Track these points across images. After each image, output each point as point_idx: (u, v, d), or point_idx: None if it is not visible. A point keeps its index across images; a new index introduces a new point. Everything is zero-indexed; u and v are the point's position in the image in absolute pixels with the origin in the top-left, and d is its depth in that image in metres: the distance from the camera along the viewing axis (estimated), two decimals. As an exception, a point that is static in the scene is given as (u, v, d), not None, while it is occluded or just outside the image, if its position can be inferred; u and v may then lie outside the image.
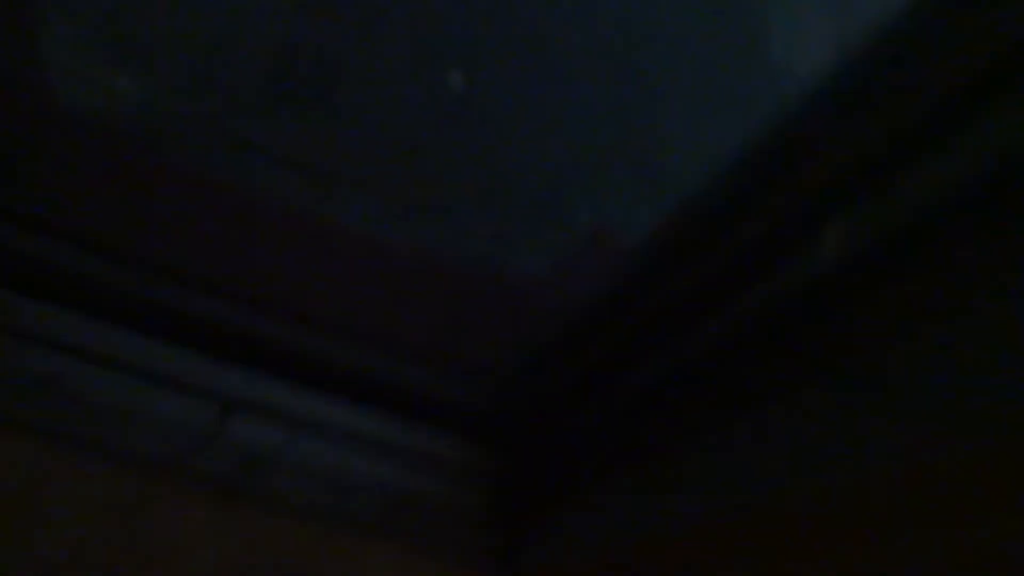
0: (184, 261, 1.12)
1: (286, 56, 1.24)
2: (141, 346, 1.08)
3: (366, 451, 1.11)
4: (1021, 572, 0.57)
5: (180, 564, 1.00)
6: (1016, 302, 0.56)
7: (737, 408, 0.78)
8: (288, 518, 1.05)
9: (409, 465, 1.12)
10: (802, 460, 0.70)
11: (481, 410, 1.14)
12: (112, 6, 1.23)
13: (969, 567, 0.59)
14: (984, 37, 0.56)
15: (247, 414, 1.08)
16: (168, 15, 1.27)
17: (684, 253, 0.84)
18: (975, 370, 0.58)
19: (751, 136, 0.74)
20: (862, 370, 0.66)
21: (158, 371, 1.08)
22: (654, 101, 1.48)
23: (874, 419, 0.64)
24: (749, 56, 1.58)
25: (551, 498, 1.07)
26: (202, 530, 1.02)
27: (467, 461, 1.14)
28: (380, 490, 1.09)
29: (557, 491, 1.06)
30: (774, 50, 1.59)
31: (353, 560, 1.05)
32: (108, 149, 1.21)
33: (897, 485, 0.61)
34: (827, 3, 1.65)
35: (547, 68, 1.42)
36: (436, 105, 1.34)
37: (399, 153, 1.27)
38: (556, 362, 1.09)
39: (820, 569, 0.70)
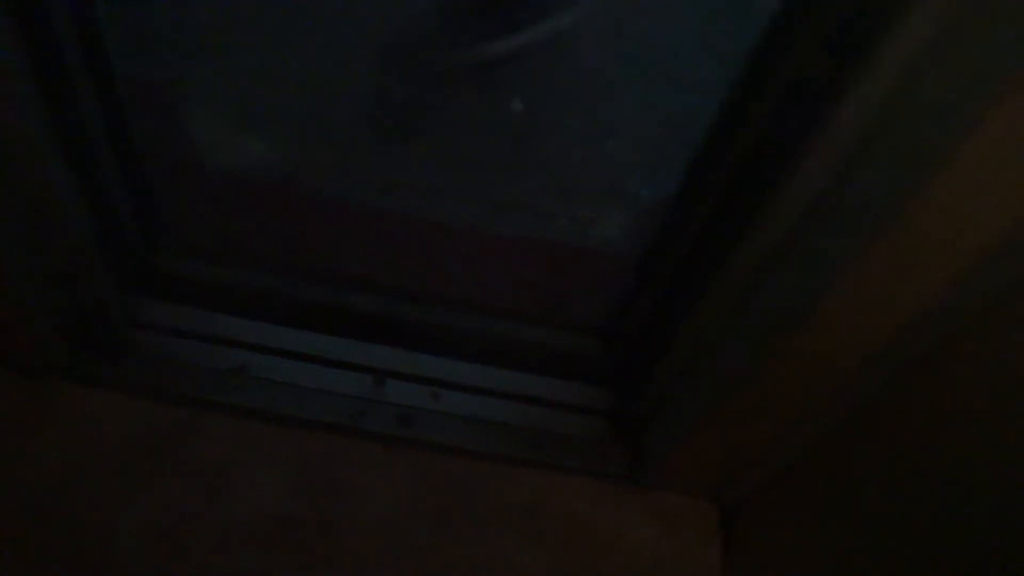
0: (331, 266, 1.37)
1: (381, 98, 1.51)
2: (308, 338, 1.32)
3: (498, 401, 1.32)
4: None
5: (359, 501, 1.20)
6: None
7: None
8: (442, 457, 1.25)
9: (536, 409, 1.32)
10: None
11: (589, 356, 1.34)
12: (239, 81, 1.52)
13: None
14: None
15: (398, 381, 1.31)
16: (281, 84, 1.56)
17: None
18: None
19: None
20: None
21: (324, 354, 1.31)
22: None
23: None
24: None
25: (655, 417, 1.26)
26: (373, 473, 1.22)
27: (583, 399, 1.33)
28: (516, 431, 1.29)
29: (658, 411, 1.25)
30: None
31: (502, 485, 1.24)
32: (251, 194, 1.49)
33: None
34: None
35: (590, 81, 1.68)
36: (505, 126, 1.61)
37: (484, 165, 1.53)
38: (636, 308, 1.29)
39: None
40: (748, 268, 0.95)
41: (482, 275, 1.41)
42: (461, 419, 1.28)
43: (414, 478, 1.23)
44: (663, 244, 1.16)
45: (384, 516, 1.18)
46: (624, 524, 1.22)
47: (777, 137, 0.87)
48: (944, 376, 0.83)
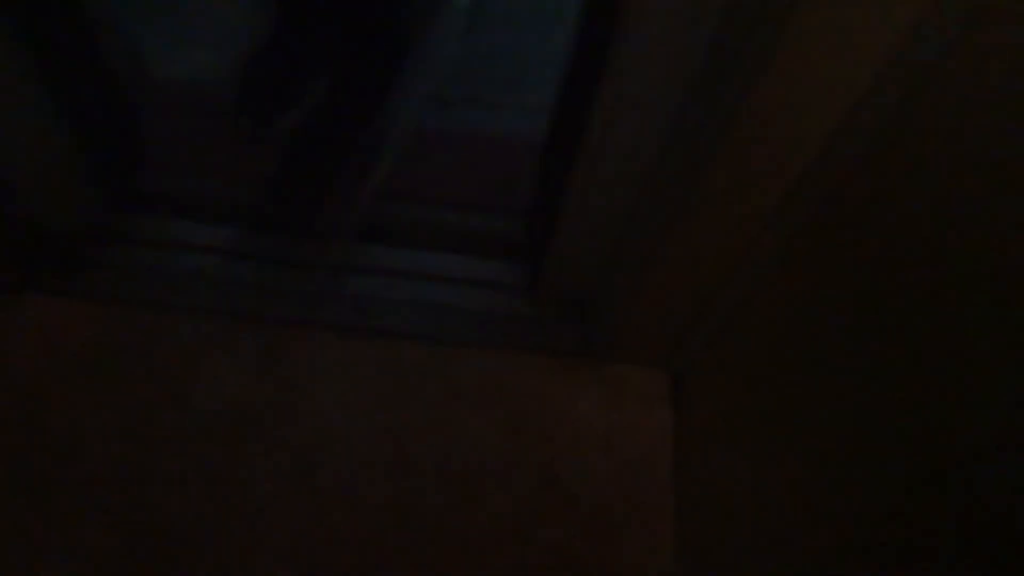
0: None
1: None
2: (262, 239, 1.36)
3: (450, 287, 1.35)
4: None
5: (316, 388, 1.24)
6: None
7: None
8: (396, 343, 1.29)
9: (487, 292, 1.35)
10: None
11: (532, 238, 1.37)
12: None
13: None
14: None
15: (352, 273, 1.34)
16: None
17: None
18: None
19: None
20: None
21: (282, 257, 1.34)
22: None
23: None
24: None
25: (598, 290, 1.28)
26: (330, 362, 1.27)
27: (530, 280, 1.36)
28: (467, 314, 1.33)
29: (599, 284, 1.27)
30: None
31: (456, 366, 1.28)
32: (198, 104, 1.50)
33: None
34: None
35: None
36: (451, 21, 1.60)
37: (431, 60, 1.53)
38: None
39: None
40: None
41: (432, 169, 1.43)
42: (414, 305, 1.32)
43: (370, 364, 1.27)
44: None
45: (341, 400, 1.23)
46: (576, 395, 1.27)
47: None
48: (852, 208, 0.84)
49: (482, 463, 1.19)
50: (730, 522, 1.07)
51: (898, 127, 0.76)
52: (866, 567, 0.73)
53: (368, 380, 1.25)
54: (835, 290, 0.87)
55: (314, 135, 1.36)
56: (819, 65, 0.75)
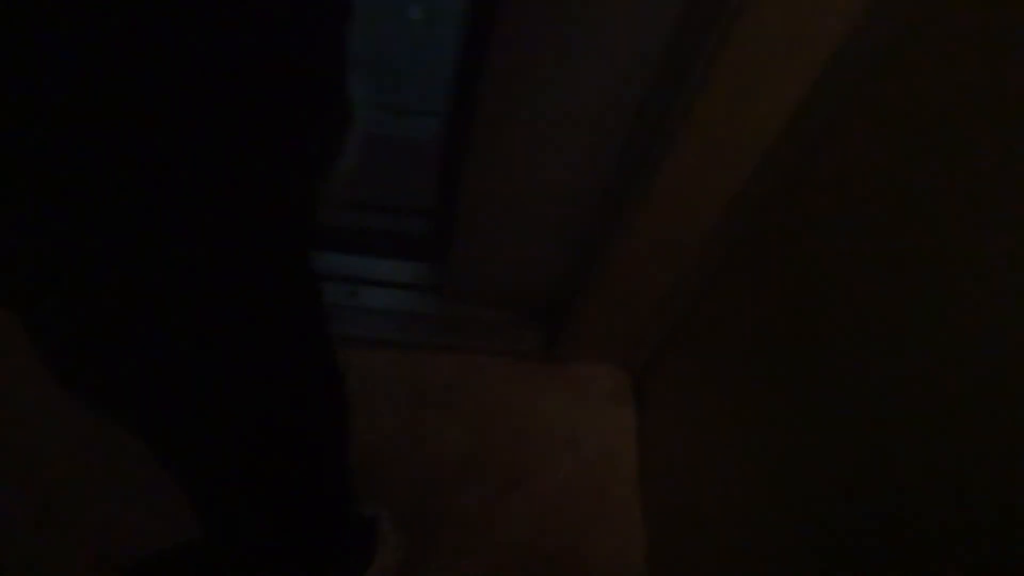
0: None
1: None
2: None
3: (413, 293, 1.36)
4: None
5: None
6: None
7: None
8: (362, 350, 1.29)
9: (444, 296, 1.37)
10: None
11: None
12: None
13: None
14: None
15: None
16: None
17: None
18: None
19: None
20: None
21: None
22: None
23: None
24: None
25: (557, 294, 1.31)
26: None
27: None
28: (431, 320, 1.34)
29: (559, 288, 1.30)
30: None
31: (421, 371, 1.29)
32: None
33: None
34: None
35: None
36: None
37: (383, 71, 1.55)
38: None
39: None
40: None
41: (388, 177, 1.44)
42: (378, 313, 1.33)
43: (335, 371, 1.27)
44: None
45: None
46: (540, 395, 1.29)
47: None
48: (797, 203, 0.88)
49: (449, 464, 1.20)
50: (695, 517, 1.09)
51: (828, 141, 0.80)
52: (824, 556, 0.77)
53: (333, 387, 1.25)
54: (772, 294, 0.91)
55: None
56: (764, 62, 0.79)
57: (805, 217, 0.86)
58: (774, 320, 0.93)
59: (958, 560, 0.59)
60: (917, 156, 0.68)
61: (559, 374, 1.31)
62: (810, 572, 0.80)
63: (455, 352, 1.31)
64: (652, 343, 1.24)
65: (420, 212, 1.41)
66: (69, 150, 0.43)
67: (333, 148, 0.58)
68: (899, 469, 0.67)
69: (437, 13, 1.70)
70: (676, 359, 1.22)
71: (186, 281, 0.54)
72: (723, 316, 1.08)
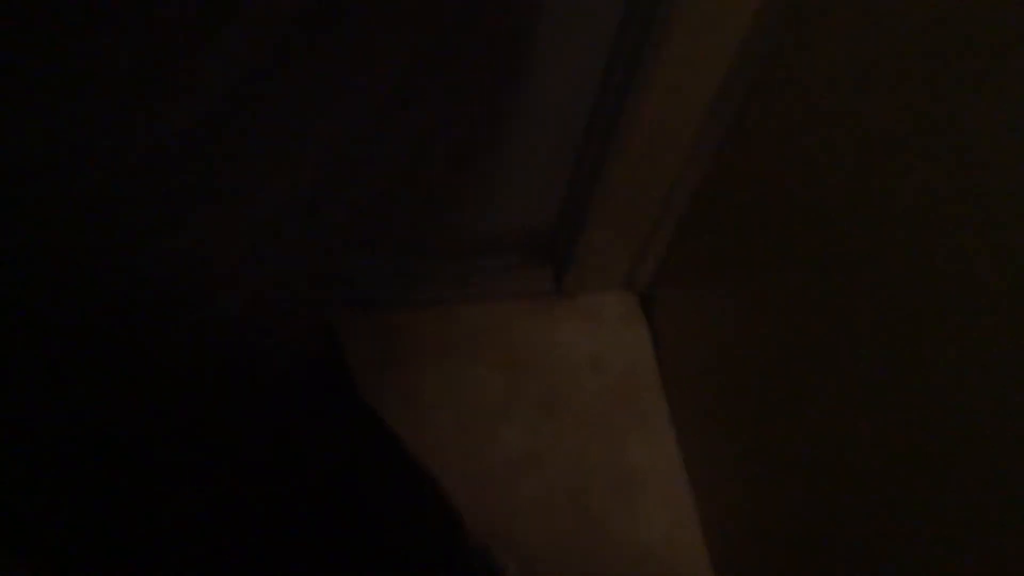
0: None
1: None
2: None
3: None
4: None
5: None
6: None
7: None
8: (383, 312, 1.38)
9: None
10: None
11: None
12: None
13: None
14: None
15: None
16: None
17: None
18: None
19: None
20: None
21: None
22: None
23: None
24: None
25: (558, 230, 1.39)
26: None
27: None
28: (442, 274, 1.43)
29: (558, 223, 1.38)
30: None
31: (441, 324, 1.38)
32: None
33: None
34: None
35: None
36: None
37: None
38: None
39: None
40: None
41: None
42: (392, 275, 1.41)
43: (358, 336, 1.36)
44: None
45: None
46: (559, 328, 1.38)
47: None
48: (775, 101, 0.97)
49: (486, 403, 1.30)
50: (717, 409, 1.20)
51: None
52: (835, 423, 0.86)
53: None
54: (765, 190, 1.00)
55: None
56: None
57: (797, 111, 0.94)
58: (768, 212, 1.01)
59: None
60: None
61: (572, 306, 1.41)
62: (825, 447, 0.90)
63: (470, 302, 1.40)
64: (653, 261, 1.34)
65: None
66: None
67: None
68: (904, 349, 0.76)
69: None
70: (677, 271, 1.31)
71: None
72: (719, 222, 1.16)
